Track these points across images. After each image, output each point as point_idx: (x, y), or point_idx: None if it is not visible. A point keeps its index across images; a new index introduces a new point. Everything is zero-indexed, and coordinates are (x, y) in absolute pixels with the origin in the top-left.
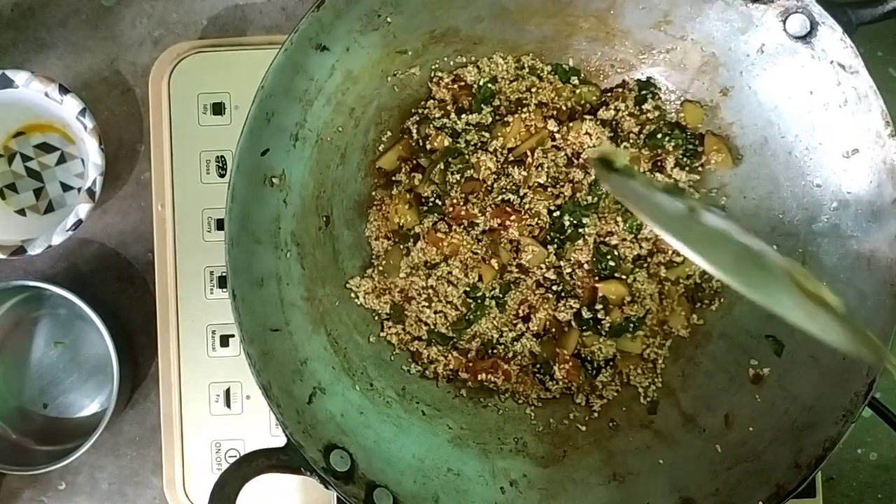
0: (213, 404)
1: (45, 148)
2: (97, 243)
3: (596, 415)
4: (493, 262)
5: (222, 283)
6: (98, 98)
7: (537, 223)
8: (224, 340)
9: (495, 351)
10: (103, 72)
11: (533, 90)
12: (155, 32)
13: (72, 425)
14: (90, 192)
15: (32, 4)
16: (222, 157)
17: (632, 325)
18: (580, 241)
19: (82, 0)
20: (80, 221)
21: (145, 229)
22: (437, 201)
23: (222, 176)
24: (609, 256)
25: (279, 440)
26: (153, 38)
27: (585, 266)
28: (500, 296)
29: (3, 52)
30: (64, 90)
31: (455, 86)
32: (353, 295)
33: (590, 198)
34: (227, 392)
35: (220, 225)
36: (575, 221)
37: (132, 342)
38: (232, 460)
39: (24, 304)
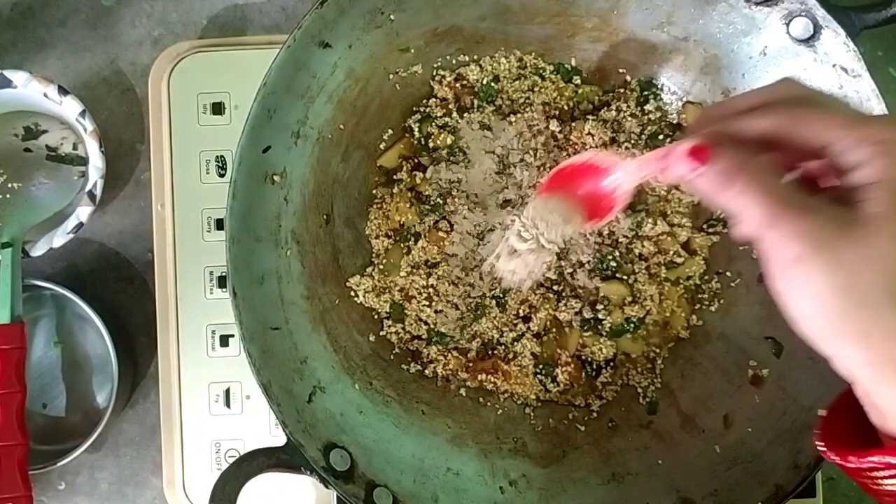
0: (213, 404)
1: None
2: (97, 243)
3: (595, 415)
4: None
5: (222, 282)
6: (98, 98)
7: None
8: (224, 340)
9: (495, 351)
10: (103, 72)
11: (535, 89)
12: (155, 32)
13: (71, 425)
14: (91, 195)
15: (32, 4)
16: (222, 156)
17: (632, 325)
18: (581, 241)
19: (82, 0)
20: (81, 224)
21: (145, 229)
22: (439, 200)
23: (222, 176)
24: (610, 257)
25: (279, 440)
26: (153, 37)
27: (586, 266)
28: (501, 295)
29: (3, 52)
30: (63, 91)
31: (457, 84)
32: (353, 293)
33: None
34: (227, 392)
35: (219, 225)
36: None
37: (132, 342)
38: (232, 460)
39: (24, 303)
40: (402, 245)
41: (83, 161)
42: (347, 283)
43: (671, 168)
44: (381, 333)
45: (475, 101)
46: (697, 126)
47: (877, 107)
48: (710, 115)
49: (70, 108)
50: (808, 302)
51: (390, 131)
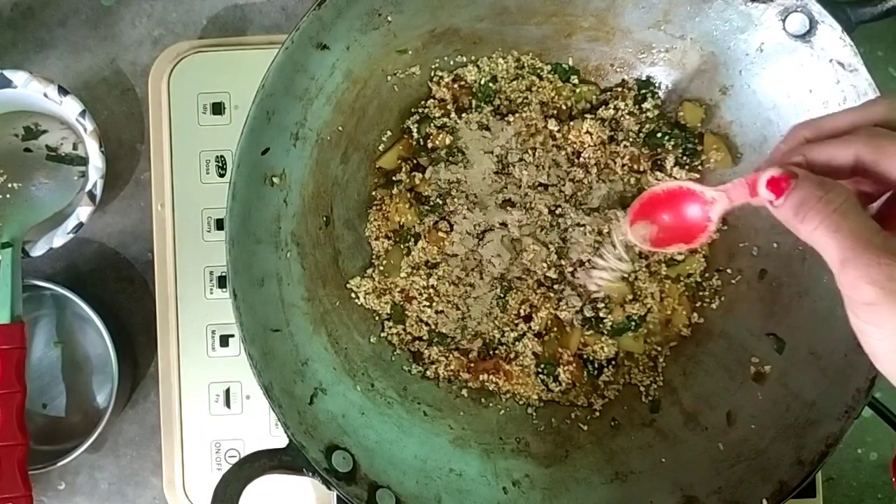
0: (213, 404)
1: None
2: (97, 243)
3: (597, 414)
4: (495, 261)
5: (222, 283)
6: (98, 98)
7: (538, 222)
8: (224, 340)
9: (497, 351)
10: (103, 72)
11: (533, 89)
12: (155, 32)
13: (71, 425)
14: (91, 195)
15: (32, 4)
16: (222, 156)
17: (633, 323)
18: (581, 240)
19: (82, 0)
20: (80, 224)
21: (145, 229)
22: (438, 200)
23: (222, 176)
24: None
25: (279, 440)
26: (153, 37)
27: (587, 265)
28: (502, 295)
29: (3, 52)
30: (63, 91)
31: (455, 85)
32: (353, 295)
33: (590, 196)
34: (227, 392)
35: (219, 225)
36: (576, 220)
37: (132, 342)
38: (232, 460)
39: (24, 303)
40: (402, 246)
41: (83, 161)
42: (348, 285)
43: (756, 196)
44: (382, 335)
45: (473, 102)
46: (785, 146)
47: None
48: (797, 136)
49: (70, 108)
50: (882, 343)
51: (389, 132)
